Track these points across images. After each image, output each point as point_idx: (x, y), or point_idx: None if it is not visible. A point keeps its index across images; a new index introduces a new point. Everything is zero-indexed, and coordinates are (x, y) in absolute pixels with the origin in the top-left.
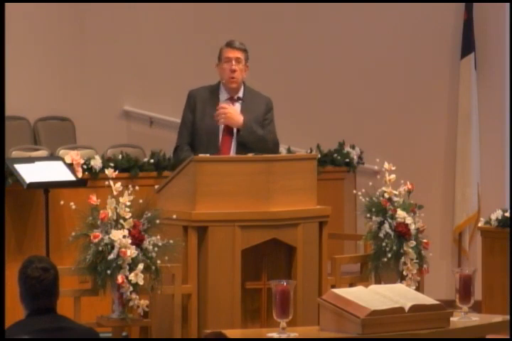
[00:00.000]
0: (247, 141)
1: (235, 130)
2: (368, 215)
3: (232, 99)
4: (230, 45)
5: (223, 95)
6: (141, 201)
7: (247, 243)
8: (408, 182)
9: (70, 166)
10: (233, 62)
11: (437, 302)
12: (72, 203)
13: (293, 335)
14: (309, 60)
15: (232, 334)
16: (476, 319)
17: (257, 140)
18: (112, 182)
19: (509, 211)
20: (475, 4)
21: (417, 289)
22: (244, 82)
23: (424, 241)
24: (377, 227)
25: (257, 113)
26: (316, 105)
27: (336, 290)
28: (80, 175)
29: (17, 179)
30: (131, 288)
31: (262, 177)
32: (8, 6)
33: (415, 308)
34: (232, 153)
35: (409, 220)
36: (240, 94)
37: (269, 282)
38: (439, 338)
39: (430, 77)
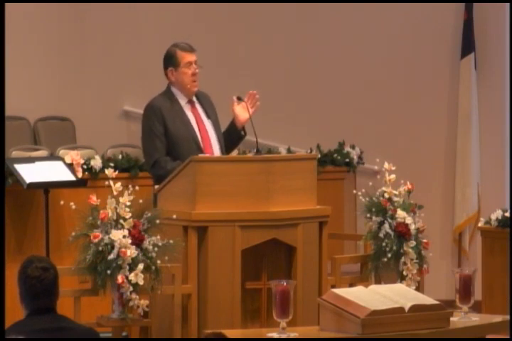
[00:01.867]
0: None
1: (209, 132)
2: (368, 215)
3: (191, 103)
4: (185, 49)
5: (182, 99)
6: (141, 201)
7: (247, 243)
8: (408, 182)
9: (70, 166)
10: (195, 66)
11: (437, 303)
12: (72, 203)
13: (293, 335)
14: (309, 60)
15: (232, 334)
16: (476, 319)
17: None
18: (112, 182)
19: (509, 211)
20: (475, 4)
21: (417, 289)
22: None
23: (424, 241)
24: (377, 227)
25: (214, 112)
26: (316, 105)
27: (336, 290)
28: (80, 175)
29: (17, 179)
30: (131, 288)
31: (262, 177)
32: (8, 6)
33: (415, 308)
34: (216, 153)
35: (409, 220)
36: (193, 96)
37: (269, 282)
38: (439, 338)
39: (430, 77)
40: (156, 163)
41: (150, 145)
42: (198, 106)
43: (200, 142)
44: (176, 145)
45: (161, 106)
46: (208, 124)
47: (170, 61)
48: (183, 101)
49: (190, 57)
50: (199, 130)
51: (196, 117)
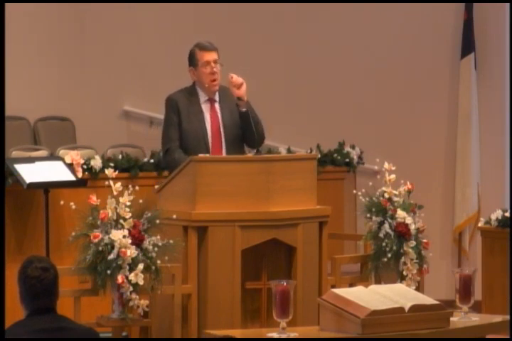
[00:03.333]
0: (254, 120)
1: (222, 133)
2: (368, 215)
3: (211, 101)
4: (204, 48)
5: (202, 97)
6: (141, 201)
7: (247, 243)
8: (408, 182)
9: (70, 166)
10: (213, 65)
11: (437, 303)
12: (72, 203)
13: (293, 335)
14: (309, 60)
15: (232, 335)
16: (476, 319)
17: (258, 121)
18: (112, 182)
19: (509, 211)
20: (475, 4)
21: (417, 289)
22: None
23: (424, 241)
24: (377, 227)
25: (235, 111)
26: (316, 105)
27: (336, 290)
28: (80, 175)
29: (17, 179)
30: (131, 288)
31: (262, 177)
32: (8, 5)
33: (415, 308)
34: (224, 154)
35: (409, 220)
36: (216, 94)
37: (269, 282)
38: (439, 338)
39: (430, 77)
40: (167, 151)
41: (165, 134)
42: (217, 105)
43: (210, 142)
44: (184, 140)
45: (178, 99)
46: (223, 124)
47: (190, 61)
48: (202, 99)
49: (209, 57)
50: (211, 129)
51: (212, 116)
